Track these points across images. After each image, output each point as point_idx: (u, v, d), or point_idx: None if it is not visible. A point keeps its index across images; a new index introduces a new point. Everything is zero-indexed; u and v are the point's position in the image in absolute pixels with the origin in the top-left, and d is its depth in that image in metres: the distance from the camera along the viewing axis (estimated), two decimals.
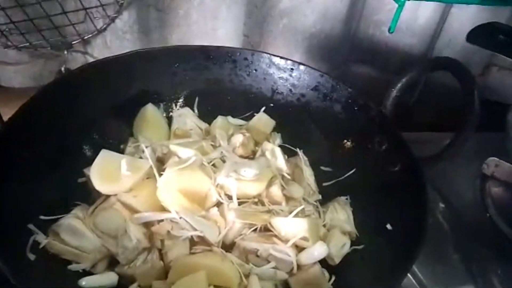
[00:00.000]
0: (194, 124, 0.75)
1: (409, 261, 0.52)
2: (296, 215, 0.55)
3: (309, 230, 0.53)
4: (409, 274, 0.73)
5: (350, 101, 0.73)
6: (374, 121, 0.70)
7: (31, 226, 0.50)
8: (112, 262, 0.55)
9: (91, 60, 0.99)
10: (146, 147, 0.57)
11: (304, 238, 0.52)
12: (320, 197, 0.69)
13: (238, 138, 0.63)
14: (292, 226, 0.53)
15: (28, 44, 1.02)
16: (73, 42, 1.06)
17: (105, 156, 0.55)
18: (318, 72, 0.76)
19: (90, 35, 1.05)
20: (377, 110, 0.69)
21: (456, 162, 0.97)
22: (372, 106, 0.71)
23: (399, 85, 0.68)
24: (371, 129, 0.70)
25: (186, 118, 0.75)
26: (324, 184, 0.72)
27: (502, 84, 1.25)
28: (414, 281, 0.73)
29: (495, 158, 0.90)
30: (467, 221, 0.86)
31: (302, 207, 0.56)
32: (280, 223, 0.54)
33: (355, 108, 0.73)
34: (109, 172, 0.53)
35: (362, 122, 0.71)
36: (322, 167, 0.74)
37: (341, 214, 0.64)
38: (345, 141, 0.72)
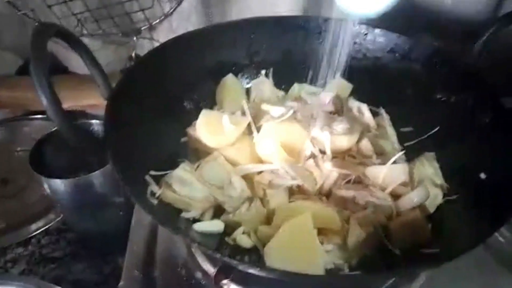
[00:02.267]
0: (271, 93, 0.78)
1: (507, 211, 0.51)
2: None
3: (409, 175, 0.53)
4: (501, 238, 0.72)
5: (432, 58, 0.72)
6: (461, 75, 0.69)
7: (147, 177, 0.54)
8: (217, 212, 0.58)
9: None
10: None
11: (404, 183, 0.53)
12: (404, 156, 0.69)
13: (327, 95, 0.65)
14: (392, 172, 0.54)
15: (101, 31, 1.09)
16: (142, 28, 1.12)
17: (207, 114, 0.59)
18: (394, 34, 0.76)
19: (157, 20, 1.10)
20: (463, 63, 0.68)
21: None
22: (457, 60, 0.70)
23: (483, 38, 0.67)
24: (456, 84, 0.69)
25: (263, 86, 0.78)
26: (406, 144, 0.72)
27: None
28: (500, 238, 0.71)
29: None
30: None
31: (401, 153, 0.56)
32: (378, 170, 0.55)
33: (436, 65, 0.72)
34: (213, 127, 0.57)
35: (445, 78, 0.71)
36: (401, 129, 0.74)
37: (428, 168, 0.64)
38: (429, 92, 0.71)
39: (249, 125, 0.61)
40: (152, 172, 0.57)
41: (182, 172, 0.56)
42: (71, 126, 0.49)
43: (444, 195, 0.62)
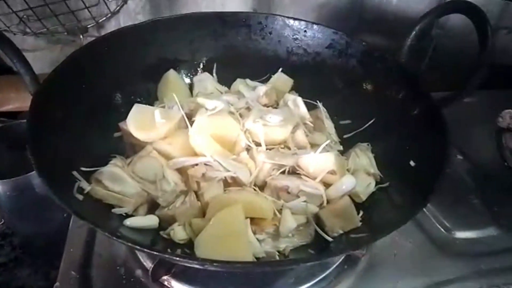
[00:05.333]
0: (214, 88, 0.78)
1: (431, 188, 0.53)
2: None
3: (336, 164, 0.55)
4: (433, 219, 0.76)
5: (365, 54, 0.75)
6: (391, 70, 0.72)
7: (75, 173, 0.53)
8: (152, 207, 0.58)
9: None
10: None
11: (332, 172, 0.55)
12: (341, 147, 0.72)
13: (262, 89, 0.66)
14: (320, 161, 0.56)
15: (45, 29, 1.06)
16: (88, 26, 1.10)
17: (138, 109, 0.59)
18: (332, 29, 0.78)
19: (104, 18, 1.09)
20: (393, 59, 0.71)
21: (471, 118, 1.00)
22: (388, 56, 0.73)
23: (413, 33, 0.70)
24: (388, 79, 0.72)
25: (206, 82, 0.78)
26: (345, 136, 0.75)
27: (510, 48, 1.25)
28: (438, 225, 0.75)
29: (510, 110, 0.92)
30: (485, 172, 0.88)
31: (328, 141, 0.58)
32: (308, 160, 0.56)
33: (371, 61, 0.75)
34: (144, 121, 0.57)
35: (378, 73, 0.74)
36: (341, 122, 0.76)
37: (363, 158, 0.66)
38: (364, 87, 0.73)
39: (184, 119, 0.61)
40: (83, 169, 0.56)
41: (113, 168, 0.55)
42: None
43: (377, 183, 0.64)
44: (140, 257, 0.63)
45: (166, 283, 0.61)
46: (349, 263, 0.65)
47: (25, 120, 0.76)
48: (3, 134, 0.85)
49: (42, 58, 1.16)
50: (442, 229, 0.75)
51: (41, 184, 0.45)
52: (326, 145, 0.57)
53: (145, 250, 0.43)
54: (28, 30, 1.06)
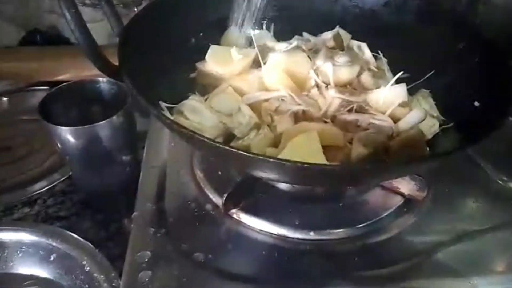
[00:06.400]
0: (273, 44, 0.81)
1: (497, 123, 0.54)
2: None
3: (407, 95, 0.57)
4: (488, 171, 0.76)
5: (422, 8, 0.77)
6: (449, 21, 0.73)
7: (160, 103, 0.57)
8: (227, 139, 0.61)
9: None
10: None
11: (404, 104, 0.57)
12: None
13: (328, 33, 0.68)
14: (392, 94, 0.58)
15: (103, 1, 1.11)
16: None
17: (215, 48, 0.62)
18: None
19: None
20: (451, 10, 0.73)
21: None
22: (446, 10, 0.74)
23: None
24: (447, 30, 0.73)
25: (265, 39, 0.81)
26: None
27: None
28: (494, 177, 0.76)
29: None
30: None
31: (401, 72, 0.60)
32: (379, 94, 0.58)
33: (428, 15, 0.76)
34: (222, 58, 0.60)
35: (436, 25, 0.75)
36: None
37: (424, 104, 0.68)
38: (423, 40, 0.75)
39: (256, 59, 0.64)
40: (164, 104, 0.60)
41: (193, 102, 0.59)
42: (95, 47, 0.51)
43: (441, 126, 0.66)
44: (209, 193, 0.67)
45: (235, 216, 0.64)
46: (408, 206, 0.67)
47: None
48: (70, 92, 0.90)
49: (98, 29, 1.21)
50: (496, 179, 0.75)
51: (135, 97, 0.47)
52: (401, 73, 0.58)
53: (233, 150, 0.44)
54: (87, 1, 1.11)
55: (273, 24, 0.85)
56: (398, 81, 0.75)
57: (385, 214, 0.65)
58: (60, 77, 1.12)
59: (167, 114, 0.58)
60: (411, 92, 0.75)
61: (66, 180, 0.97)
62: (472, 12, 0.98)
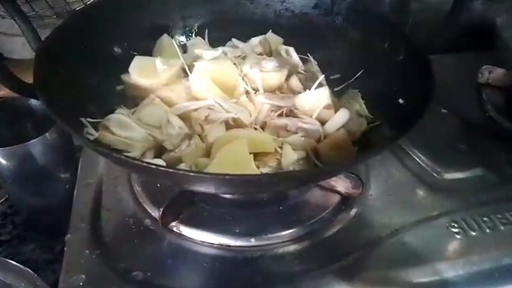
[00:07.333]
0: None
1: (416, 118, 0.57)
2: None
3: (331, 98, 0.58)
4: (422, 164, 0.80)
5: (350, 10, 0.79)
6: (375, 22, 0.76)
7: (82, 119, 0.56)
8: (158, 152, 0.60)
9: None
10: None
11: (328, 106, 0.58)
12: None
13: (256, 39, 0.69)
14: (316, 97, 0.59)
15: (34, 13, 1.07)
16: (77, 8, 1.11)
17: (140, 59, 0.61)
18: None
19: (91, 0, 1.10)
20: (376, 12, 0.76)
21: (451, 77, 1.05)
22: (371, 10, 0.77)
23: None
24: (372, 31, 0.76)
25: (199, 46, 0.81)
26: (336, 89, 0.78)
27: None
28: (428, 168, 0.79)
29: (489, 66, 0.97)
30: (468, 122, 0.93)
31: (322, 76, 0.62)
32: (304, 97, 0.60)
33: (356, 16, 0.79)
34: (146, 69, 0.59)
35: (363, 27, 0.78)
36: (331, 77, 0.80)
37: (354, 104, 0.70)
38: (351, 41, 0.77)
39: (183, 70, 0.63)
40: (88, 119, 0.58)
41: (119, 115, 0.57)
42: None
43: (368, 124, 0.68)
44: (148, 208, 0.65)
45: (175, 229, 0.63)
46: (345, 203, 0.69)
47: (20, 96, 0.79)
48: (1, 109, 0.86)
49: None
50: (431, 172, 0.79)
51: (57, 122, 0.46)
52: (322, 77, 0.60)
53: (165, 169, 0.44)
54: (2, 13, 1.06)
55: (207, 30, 0.85)
56: (330, 82, 0.78)
57: (324, 213, 0.66)
58: None
59: (91, 130, 0.56)
60: (342, 92, 0.77)
61: (4, 201, 0.92)
62: (401, 12, 1.03)
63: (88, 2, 1.01)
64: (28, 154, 0.79)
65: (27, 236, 0.92)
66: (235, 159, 0.53)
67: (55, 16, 1.10)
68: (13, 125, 0.86)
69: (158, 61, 0.60)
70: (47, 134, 0.79)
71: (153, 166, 0.41)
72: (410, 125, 0.55)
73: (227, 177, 0.42)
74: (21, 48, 1.16)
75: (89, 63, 0.63)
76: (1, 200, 0.93)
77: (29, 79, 0.96)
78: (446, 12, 0.73)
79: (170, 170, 0.42)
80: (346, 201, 0.69)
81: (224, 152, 0.54)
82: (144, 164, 0.41)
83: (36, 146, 0.78)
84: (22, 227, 0.92)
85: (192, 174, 0.42)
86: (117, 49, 0.68)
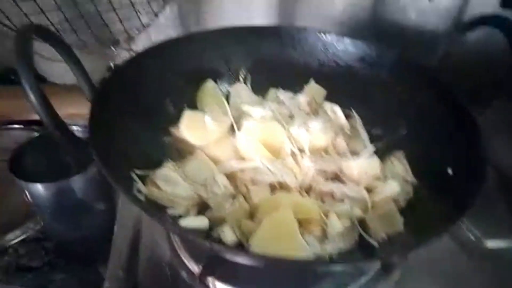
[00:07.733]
0: (249, 98, 0.81)
1: (471, 200, 0.55)
2: None
3: (380, 169, 0.57)
4: (465, 228, 0.77)
5: (397, 64, 0.78)
6: (422, 78, 0.75)
7: (132, 175, 0.56)
8: (202, 210, 0.60)
9: None
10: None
11: (377, 177, 0.57)
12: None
13: (303, 97, 0.69)
14: (365, 166, 0.58)
15: (80, 42, 1.10)
16: (120, 39, 1.14)
17: (190, 114, 0.62)
18: (364, 42, 0.81)
19: (136, 32, 1.13)
20: (423, 67, 0.74)
21: (492, 129, 1.02)
22: (418, 65, 0.76)
23: (442, 45, 0.73)
24: (418, 86, 0.75)
25: (241, 93, 0.81)
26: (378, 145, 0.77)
27: None
28: (469, 233, 0.77)
29: None
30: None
31: (372, 146, 0.60)
32: (353, 165, 0.59)
33: (402, 71, 0.78)
34: (196, 126, 0.60)
35: (409, 81, 0.76)
36: (373, 131, 0.79)
37: (398, 166, 0.68)
38: (395, 96, 0.76)
39: (231, 126, 0.64)
40: (137, 171, 0.59)
41: (167, 170, 0.58)
42: (64, 129, 0.50)
43: (415, 191, 0.66)
44: (185, 259, 0.65)
45: (210, 284, 0.62)
46: (386, 269, 0.67)
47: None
48: (40, 142, 0.88)
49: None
50: (472, 237, 0.76)
51: (110, 182, 0.47)
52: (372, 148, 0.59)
53: (214, 246, 0.44)
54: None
55: (249, 77, 0.86)
56: (371, 138, 0.77)
57: (363, 280, 0.65)
58: (35, 117, 1.10)
59: (141, 187, 0.56)
60: (384, 148, 0.75)
61: (38, 229, 0.94)
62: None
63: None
64: (68, 189, 0.81)
65: (58, 264, 0.93)
66: (281, 227, 0.53)
67: (99, 44, 1.14)
68: (53, 156, 0.88)
69: (208, 118, 0.60)
70: (87, 169, 0.81)
71: (208, 244, 0.41)
72: (465, 205, 0.53)
73: (271, 260, 0.41)
74: (63, 73, 1.19)
75: (140, 114, 0.64)
76: (35, 228, 0.94)
77: (70, 104, 0.99)
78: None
79: (224, 248, 0.42)
80: (386, 266, 0.67)
81: (270, 222, 0.53)
82: (205, 242, 0.41)
83: (77, 182, 0.80)
84: (53, 255, 0.94)
85: (241, 251, 0.41)
86: (168, 103, 0.69)
